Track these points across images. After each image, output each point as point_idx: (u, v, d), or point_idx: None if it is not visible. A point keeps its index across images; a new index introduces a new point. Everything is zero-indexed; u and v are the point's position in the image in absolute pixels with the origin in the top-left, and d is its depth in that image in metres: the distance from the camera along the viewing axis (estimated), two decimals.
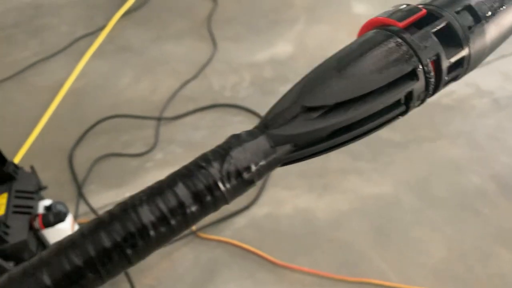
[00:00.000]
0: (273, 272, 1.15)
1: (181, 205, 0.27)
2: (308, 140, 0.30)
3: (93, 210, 1.28)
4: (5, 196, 0.82)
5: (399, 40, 0.31)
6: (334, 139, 0.30)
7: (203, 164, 0.28)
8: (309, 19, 1.90)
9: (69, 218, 0.89)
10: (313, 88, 0.30)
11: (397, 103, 0.31)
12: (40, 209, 0.85)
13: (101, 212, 1.28)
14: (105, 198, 1.32)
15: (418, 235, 1.21)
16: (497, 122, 1.48)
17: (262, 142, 0.29)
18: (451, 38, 0.32)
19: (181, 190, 0.27)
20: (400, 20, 0.31)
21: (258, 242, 1.19)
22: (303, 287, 1.12)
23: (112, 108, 1.55)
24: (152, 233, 0.26)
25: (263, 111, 1.50)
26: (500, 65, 1.62)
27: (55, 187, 1.21)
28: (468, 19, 0.32)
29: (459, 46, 0.32)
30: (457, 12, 0.32)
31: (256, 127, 0.31)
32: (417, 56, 0.30)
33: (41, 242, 0.83)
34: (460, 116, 1.49)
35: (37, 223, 0.80)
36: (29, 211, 0.81)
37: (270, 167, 0.29)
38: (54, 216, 0.81)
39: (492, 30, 0.33)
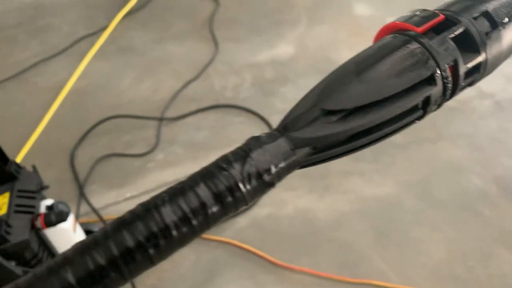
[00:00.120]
0: (273, 273, 1.15)
1: (203, 205, 0.27)
2: (327, 143, 0.30)
3: (94, 210, 1.28)
4: (7, 195, 0.82)
5: (418, 45, 0.31)
6: (352, 143, 0.30)
7: (224, 165, 0.28)
8: (310, 20, 1.90)
9: (71, 218, 0.89)
10: (332, 92, 0.30)
11: (414, 108, 0.31)
12: (42, 209, 0.86)
13: (102, 212, 1.28)
14: (106, 198, 1.32)
15: (418, 235, 1.21)
16: (498, 124, 1.48)
17: (282, 144, 0.29)
18: (468, 44, 0.32)
19: (203, 191, 0.28)
20: (418, 25, 0.32)
21: (259, 243, 1.19)
22: None
23: (113, 108, 1.56)
24: (174, 233, 0.27)
25: (264, 112, 1.51)
26: (502, 67, 1.61)
27: (56, 187, 1.20)
28: (485, 25, 0.33)
29: (476, 51, 0.32)
30: (475, 18, 0.32)
31: (275, 130, 0.31)
32: (435, 61, 0.31)
33: (43, 242, 0.83)
34: (461, 118, 1.50)
35: (39, 223, 0.81)
36: (31, 210, 0.81)
37: (289, 169, 0.30)
38: (56, 216, 0.81)
39: (509, 36, 0.33)
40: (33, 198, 0.84)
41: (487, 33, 0.32)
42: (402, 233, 1.22)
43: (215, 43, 1.79)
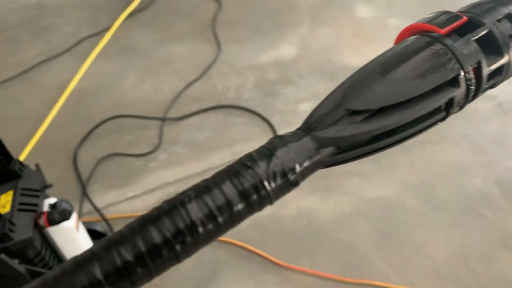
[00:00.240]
0: (275, 273, 1.15)
1: (229, 203, 0.27)
2: (351, 143, 0.30)
3: (96, 209, 1.28)
4: (10, 193, 0.82)
5: (442, 46, 0.31)
6: (375, 143, 0.30)
7: (249, 163, 0.28)
8: (313, 22, 1.91)
9: (74, 217, 0.89)
10: (357, 92, 0.30)
11: (437, 109, 0.31)
12: (45, 207, 0.86)
13: (104, 211, 1.28)
14: (108, 198, 1.32)
15: (420, 237, 1.21)
16: (500, 126, 1.48)
17: (306, 143, 0.30)
18: (491, 46, 0.32)
19: (228, 188, 0.28)
20: (442, 26, 0.32)
21: (260, 243, 1.19)
22: None
23: (116, 108, 1.56)
24: (200, 230, 0.27)
25: (266, 113, 1.52)
26: None
27: (59, 186, 1.21)
28: (509, 27, 0.32)
29: (500, 54, 0.32)
30: (498, 20, 0.32)
31: (299, 129, 0.31)
32: (459, 63, 0.31)
33: (46, 240, 0.84)
34: (463, 120, 1.50)
35: (42, 221, 0.81)
36: (34, 208, 0.81)
37: (313, 168, 0.30)
38: (59, 214, 0.82)
39: None
40: (37, 196, 0.84)
41: (510, 36, 0.32)
42: (404, 234, 1.22)
43: (218, 44, 1.80)
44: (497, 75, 0.33)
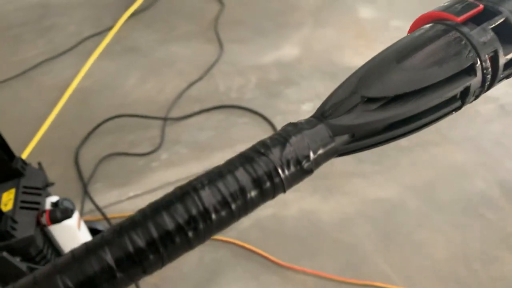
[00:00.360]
0: (277, 274, 1.15)
1: (242, 190, 0.27)
2: (366, 131, 0.30)
3: (98, 208, 1.28)
4: (13, 191, 0.82)
5: (458, 34, 0.30)
6: (390, 132, 0.30)
7: (263, 150, 0.28)
8: (315, 23, 1.91)
9: (76, 215, 0.89)
10: (372, 79, 0.30)
11: (453, 98, 0.31)
12: (47, 205, 0.86)
13: (105, 210, 1.28)
14: (110, 197, 1.32)
15: (422, 238, 1.21)
16: (502, 128, 1.47)
17: (321, 131, 0.29)
18: (508, 35, 0.31)
19: (242, 175, 0.27)
20: (458, 14, 0.31)
21: (262, 243, 1.19)
22: None
23: (118, 108, 1.56)
24: (214, 216, 0.27)
25: (268, 113, 1.52)
26: None
27: (61, 185, 1.21)
28: None
29: None
30: None
31: (313, 116, 0.31)
32: (476, 51, 0.30)
33: (48, 238, 0.84)
34: (465, 121, 1.49)
35: (44, 219, 0.81)
36: (36, 207, 0.81)
37: (327, 156, 0.29)
38: (61, 213, 0.82)
39: None
40: (39, 194, 0.84)
41: None
42: (405, 235, 1.22)
43: (220, 44, 1.80)
44: None
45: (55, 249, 0.85)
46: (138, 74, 1.70)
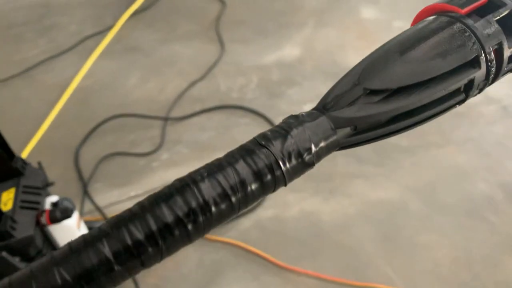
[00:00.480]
0: (277, 275, 1.14)
1: (242, 182, 0.27)
2: (368, 124, 0.29)
3: (98, 208, 1.27)
4: (12, 191, 0.81)
5: (462, 26, 0.30)
6: (393, 125, 0.30)
7: (263, 142, 0.27)
8: (317, 23, 1.90)
9: (76, 215, 0.88)
10: (375, 71, 0.29)
11: (457, 91, 0.30)
12: (47, 205, 0.85)
13: (105, 210, 1.27)
14: (110, 197, 1.32)
15: (424, 240, 1.20)
16: (505, 130, 1.47)
17: (322, 123, 0.29)
18: None
19: (242, 168, 0.27)
20: (462, 6, 0.31)
21: (263, 244, 1.19)
22: None
23: (119, 107, 1.56)
24: (213, 209, 0.26)
25: (270, 113, 1.51)
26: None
27: (61, 184, 1.21)
28: None
29: None
30: None
31: (314, 109, 0.30)
32: (480, 43, 0.30)
33: (47, 238, 0.83)
34: (468, 123, 1.49)
35: (44, 219, 0.80)
36: (36, 206, 0.81)
37: (329, 149, 0.29)
38: (61, 212, 0.81)
39: None
40: (39, 194, 0.84)
41: None
42: (407, 237, 1.21)
43: (222, 44, 1.79)
44: None
45: (55, 249, 0.85)
46: (139, 74, 1.70)
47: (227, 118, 1.53)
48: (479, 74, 0.30)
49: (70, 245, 0.26)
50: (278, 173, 0.27)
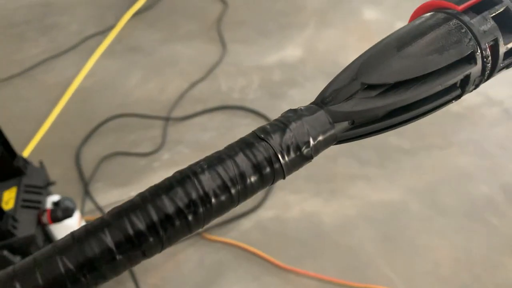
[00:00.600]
0: (278, 276, 1.14)
1: (242, 175, 0.27)
2: (366, 118, 0.30)
3: (99, 208, 1.27)
4: (14, 190, 0.81)
5: (459, 22, 0.31)
6: (390, 119, 0.30)
7: (263, 135, 0.28)
8: (319, 24, 1.90)
9: (77, 214, 0.88)
10: (373, 66, 0.30)
11: (453, 86, 0.31)
12: (48, 204, 0.85)
13: (106, 210, 1.27)
14: (111, 197, 1.31)
15: (425, 242, 1.20)
16: (506, 132, 1.47)
17: (321, 117, 0.29)
18: (508, 24, 0.31)
19: (242, 160, 0.27)
20: (458, 3, 0.31)
21: (263, 245, 1.18)
22: None
23: (120, 107, 1.56)
24: (213, 201, 0.27)
25: (271, 114, 1.51)
26: (510, 75, 1.61)
27: (62, 184, 1.20)
28: None
29: None
30: None
31: (313, 103, 0.31)
32: (476, 39, 0.30)
33: (48, 237, 0.83)
34: (469, 125, 1.49)
35: (45, 218, 0.80)
36: (37, 205, 0.81)
37: (327, 143, 0.30)
38: (62, 212, 0.81)
39: None
40: (40, 193, 0.84)
41: None
42: (408, 239, 1.21)
43: (223, 45, 1.79)
44: None
45: None
46: (140, 74, 1.70)
47: (228, 119, 1.53)
48: (475, 70, 0.31)
49: (73, 234, 0.26)
50: (277, 166, 0.28)
